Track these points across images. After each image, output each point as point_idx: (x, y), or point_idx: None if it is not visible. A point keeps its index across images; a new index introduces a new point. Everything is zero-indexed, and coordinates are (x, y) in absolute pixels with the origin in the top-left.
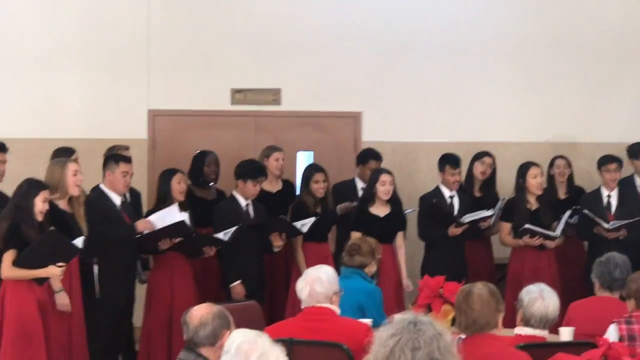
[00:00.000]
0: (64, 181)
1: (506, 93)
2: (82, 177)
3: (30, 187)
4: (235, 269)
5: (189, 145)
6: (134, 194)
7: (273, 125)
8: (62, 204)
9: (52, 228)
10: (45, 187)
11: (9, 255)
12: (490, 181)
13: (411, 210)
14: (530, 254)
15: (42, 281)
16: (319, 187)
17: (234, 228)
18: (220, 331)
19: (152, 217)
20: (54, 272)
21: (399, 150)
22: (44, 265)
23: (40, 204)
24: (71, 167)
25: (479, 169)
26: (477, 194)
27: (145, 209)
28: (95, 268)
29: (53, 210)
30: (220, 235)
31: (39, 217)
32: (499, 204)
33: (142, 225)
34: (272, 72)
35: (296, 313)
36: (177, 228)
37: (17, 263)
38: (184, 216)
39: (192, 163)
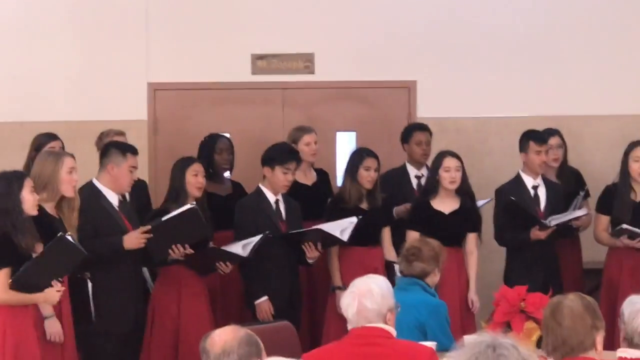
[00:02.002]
0: (56, 179)
1: (598, 55)
2: (77, 177)
3: (9, 181)
4: (260, 282)
5: (199, 127)
6: (140, 186)
7: (305, 100)
8: (49, 208)
9: (60, 233)
10: (26, 174)
11: (3, 276)
12: (565, 163)
13: (486, 201)
14: (631, 256)
15: None
16: (368, 176)
17: (256, 239)
18: None
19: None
20: (53, 297)
21: (465, 128)
22: (45, 283)
23: (29, 197)
24: (67, 162)
25: (549, 156)
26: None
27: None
28: (90, 286)
29: (40, 215)
30: (238, 249)
31: (33, 212)
32: (578, 199)
33: (134, 241)
34: (302, 33)
35: (338, 336)
36: (187, 220)
37: (15, 285)
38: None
39: (199, 150)
